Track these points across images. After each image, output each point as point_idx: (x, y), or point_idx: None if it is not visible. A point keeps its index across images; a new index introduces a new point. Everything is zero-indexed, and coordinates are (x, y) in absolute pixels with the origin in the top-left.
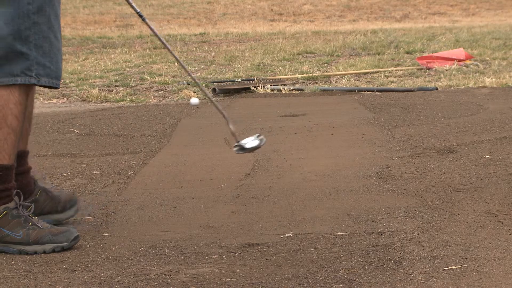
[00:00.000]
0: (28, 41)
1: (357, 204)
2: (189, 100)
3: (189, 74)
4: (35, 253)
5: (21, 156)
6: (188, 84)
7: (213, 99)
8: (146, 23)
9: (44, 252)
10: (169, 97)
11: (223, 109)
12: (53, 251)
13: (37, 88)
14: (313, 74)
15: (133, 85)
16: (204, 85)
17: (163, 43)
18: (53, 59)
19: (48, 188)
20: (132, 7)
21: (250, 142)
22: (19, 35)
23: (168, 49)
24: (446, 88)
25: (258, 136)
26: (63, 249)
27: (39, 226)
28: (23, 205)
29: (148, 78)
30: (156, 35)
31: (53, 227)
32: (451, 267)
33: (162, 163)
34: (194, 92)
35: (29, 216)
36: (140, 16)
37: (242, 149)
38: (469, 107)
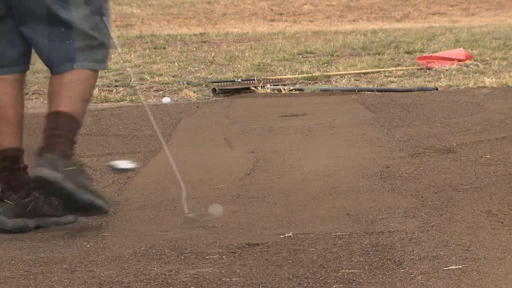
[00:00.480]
0: (103, 32)
1: (357, 204)
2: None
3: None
4: (99, 208)
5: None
6: (188, 84)
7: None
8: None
9: (100, 209)
10: (169, 97)
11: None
12: (104, 212)
13: (38, 87)
14: (313, 74)
15: (133, 85)
16: (204, 85)
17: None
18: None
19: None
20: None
21: (123, 163)
22: (97, 28)
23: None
24: (446, 88)
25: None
26: (106, 213)
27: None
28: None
29: (148, 78)
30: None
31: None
32: (451, 267)
33: (162, 163)
34: (194, 92)
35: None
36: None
37: (115, 168)
38: (469, 107)
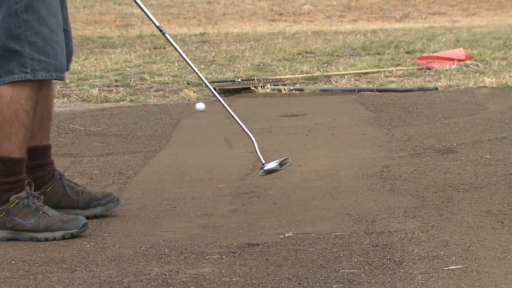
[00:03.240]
0: (20, 39)
1: (357, 204)
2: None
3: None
4: (46, 239)
5: (42, 149)
6: (188, 84)
7: (232, 112)
8: (168, 39)
9: (55, 239)
10: (169, 97)
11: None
12: (63, 237)
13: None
14: (313, 74)
15: (133, 85)
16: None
17: (186, 61)
18: (50, 52)
19: (70, 184)
20: (152, 21)
21: (271, 164)
22: (11, 34)
23: (191, 66)
24: (446, 88)
25: (283, 160)
26: (73, 236)
27: (49, 215)
28: (34, 195)
29: (148, 78)
30: (179, 53)
31: (63, 215)
32: (451, 267)
33: (162, 163)
34: (194, 92)
35: (40, 205)
36: (161, 31)
37: (265, 171)
38: (469, 107)
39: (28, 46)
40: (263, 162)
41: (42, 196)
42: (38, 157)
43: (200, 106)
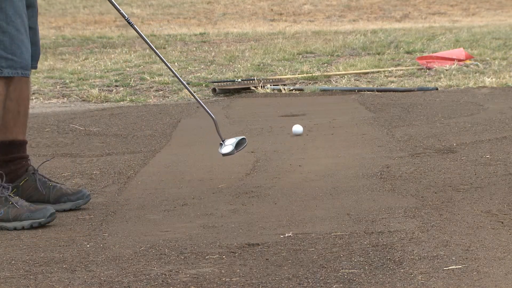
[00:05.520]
0: None
1: (357, 204)
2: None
3: (182, 83)
4: (15, 228)
5: (18, 144)
6: (188, 84)
7: (202, 103)
8: (135, 29)
9: (23, 228)
10: (169, 97)
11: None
12: (31, 226)
13: (38, 87)
14: (313, 74)
15: (133, 85)
16: (204, 85)
17: (152, 49)
18: (16, 51)
19: (43, 179)
20: (120, 12)
21: (227, 146)
22: None
23: (159, 57)
24: (446, 88)
25: (240, 140)
26: (40, 225)
27: (17, 206)
28: (4, 186)
29: (148, 78)
30: (146, 41)
31: (32, 205)
32: (451, 267)
33: (162, 163)
34: (194, 92)
35: (9, 195)
36: (129, 23)
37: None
38: (469, 107)
39: None
40: (222, 139)
41: (11, 187)
42: (13, 151)
43: (298, 129)
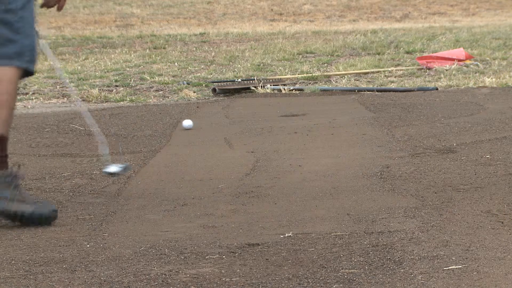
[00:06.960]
0: (19, 31)
1: (357, 204)
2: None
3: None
4: (15, 213)
5: None
6: (188, 84)
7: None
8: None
9: (23, 215)
10: (169, 97)
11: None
12: (32, 215)
13: (38, 87)
14: (313, 74)
15: (133, 85)
16: (204, 85)
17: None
18: (35, 47)
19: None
20: None
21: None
22: (11, 27)
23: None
24: (446, 88)
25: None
26: (41, 217)
27: (23, 195)
28: (18, 176)
29: (148, 78)
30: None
31: (37, 200)
32: (451, 267)
33: (162, 163)
34: (194, 92)
35: (20, 184)
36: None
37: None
38: (469, 107)
39: (26, 38)
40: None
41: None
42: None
43: (187, 123)
